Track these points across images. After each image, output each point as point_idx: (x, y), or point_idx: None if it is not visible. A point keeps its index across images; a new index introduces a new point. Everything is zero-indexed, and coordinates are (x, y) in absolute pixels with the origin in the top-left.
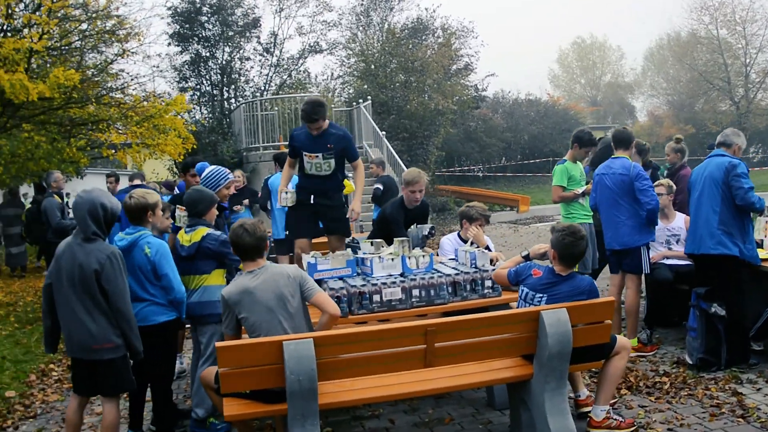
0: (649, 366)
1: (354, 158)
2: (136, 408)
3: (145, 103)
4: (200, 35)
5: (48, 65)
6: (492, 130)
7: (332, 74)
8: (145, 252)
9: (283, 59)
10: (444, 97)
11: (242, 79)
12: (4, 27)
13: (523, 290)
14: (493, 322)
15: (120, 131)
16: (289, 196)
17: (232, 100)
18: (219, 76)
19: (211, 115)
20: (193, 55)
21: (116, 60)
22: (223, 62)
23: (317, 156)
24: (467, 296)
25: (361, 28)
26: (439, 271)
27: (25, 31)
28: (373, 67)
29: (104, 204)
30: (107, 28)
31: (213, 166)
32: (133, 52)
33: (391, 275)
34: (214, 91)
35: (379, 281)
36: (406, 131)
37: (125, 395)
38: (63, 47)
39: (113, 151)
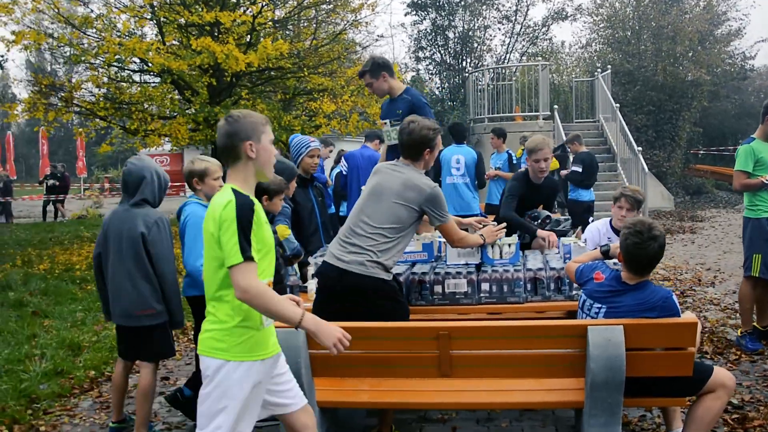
0: None
1: None
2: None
3: None
4: (438, 3)
5: (271, 36)
6: None
7: (586, 42)
8: (183, 219)
9: (527, 26)
10: (698, 66)
11: (483, 48)
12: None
13: (581, 297)
14: (522, 332)
15: (333, 101)
16: None
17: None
18: (458, 46)
19: (445, 85)
20: (430, 24)
21: (346, 30)
22: (462, 31)
23: (385, 123)
24: (550, 296)
25: None
26: (520, 265)
27: (251, 7)
28: (625, 33)
29: (158, 171)
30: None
31: (298, 136)
32: (365, 22)
33: (468, 264)
34: (451, 61)
35: (443, 270)
36: (653, 104)
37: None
38: (292, 17)
39: (328, 120)
